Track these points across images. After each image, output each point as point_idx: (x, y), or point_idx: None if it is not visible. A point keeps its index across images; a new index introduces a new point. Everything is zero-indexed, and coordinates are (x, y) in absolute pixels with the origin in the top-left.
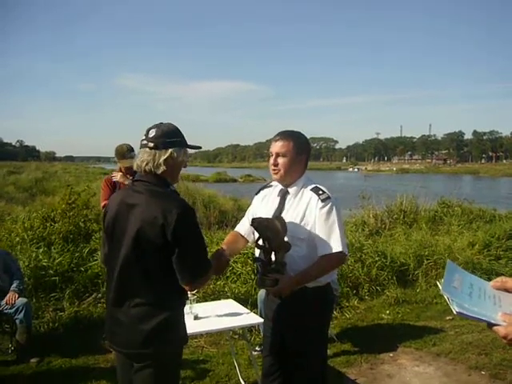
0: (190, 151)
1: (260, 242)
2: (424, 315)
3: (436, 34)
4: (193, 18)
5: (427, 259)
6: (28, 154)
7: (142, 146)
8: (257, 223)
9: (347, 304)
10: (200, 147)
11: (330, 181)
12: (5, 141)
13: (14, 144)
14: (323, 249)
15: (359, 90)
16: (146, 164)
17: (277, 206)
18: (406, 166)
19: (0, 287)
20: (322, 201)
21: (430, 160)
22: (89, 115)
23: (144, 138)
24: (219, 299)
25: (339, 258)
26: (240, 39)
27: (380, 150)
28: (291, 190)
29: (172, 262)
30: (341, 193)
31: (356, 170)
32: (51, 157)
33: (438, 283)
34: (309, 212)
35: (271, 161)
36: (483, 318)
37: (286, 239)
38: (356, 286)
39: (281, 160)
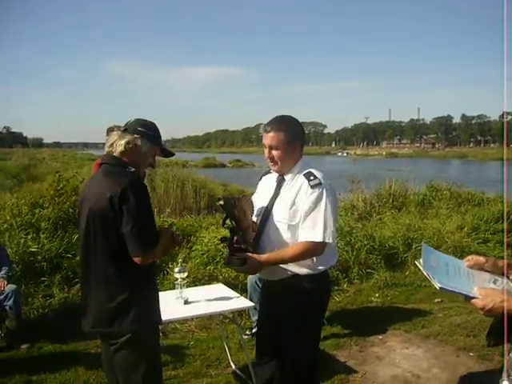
0: (178, 137)
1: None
2: (413, 298)
3: (424, 20)
4: (180, 5)
5: (416, 242)
6: (15, 140)
7: (118, 129)
8: (224, 202)
9: (337, 287)
10: (173, 154)
11: (319, 165)
12: None
13: (0, 130)
14: (303, 235)
15: (348, 74)
16: (110, 145)
17: (273, 192)
18: (394, 150)
19: None
20: (312, 187)
21: (418, 144)
22: (76, 101)
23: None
24: (209, 284)
25: (317, 247)
26: (228, 26)
27: (369, 134)
28: (287, 176)
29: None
30: (330, 177)
31: (345, 154)
32: (38, 143)
33: (416, 263)
34: (299, 198)
35: (266, 154)
36: (462, 292)
37: (254, 219)
38: (345, 269)
39: (275, 153)
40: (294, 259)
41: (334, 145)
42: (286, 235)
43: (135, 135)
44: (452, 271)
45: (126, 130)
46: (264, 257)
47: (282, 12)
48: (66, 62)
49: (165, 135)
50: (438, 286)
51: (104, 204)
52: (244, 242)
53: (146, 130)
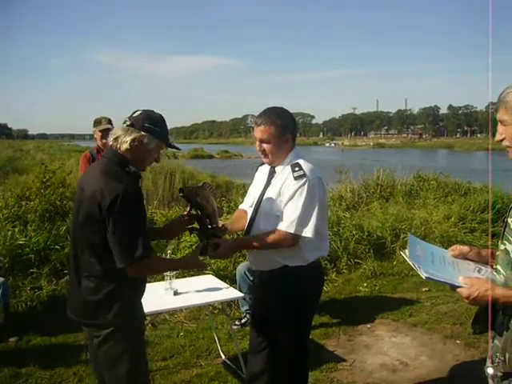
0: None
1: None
2: (400, 287)
3: (412, 8)
4: None
5: (404, 233)
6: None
7: (124, 123)
8: (185, 192)
9: (326, 277)
10: (179, 149)
11: (307, 156)
12: None
13: None
14: (279, 224)
15: (335, 64)
16: (115, 139)
17: (264, 183)
18: (382, 140)
19: None
20: (295, 178)
21: (405, 135)
22: (62, 92)
23: (128, 116)
24: (199, 275)
25: (287, 238)
26: (216, 15)
27: (356, 124)
28: (278, 168)
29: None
30: (317, 168)
31: (333, 144)
32: (23, 134)
33: (402, 253)
34: (284, 188)
35: (257, 146)
36: (448, 282)
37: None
38: (334, 259)
39: (265, 146)
40: (266, 246)
41: (321, 135)
42: (273, 225)
43: (142, 132)
44: (437, 261)
45: (133, 124)
46: (237, 240)
47: (270, 2)
48: (53, 52)
49: None
50: (424, 275)
51: (93, 207)
52: (212, 227)
53: (153, 127)
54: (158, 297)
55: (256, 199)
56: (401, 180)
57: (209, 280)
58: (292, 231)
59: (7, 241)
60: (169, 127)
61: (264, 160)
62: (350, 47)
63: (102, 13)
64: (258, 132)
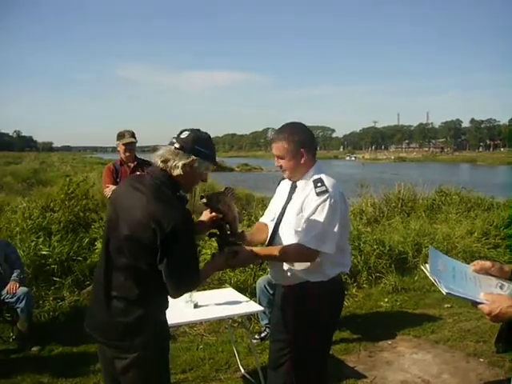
0: None
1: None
2: (422, 303)
3: (434, 25)
4: (191, 8)
5: (426, 247)
6: (25, 144)
7: (170, 144)
8: (207, 199)
9: (346, 292)
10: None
11: (328, 169)
12: (2, 131)
13: (11, 134)
14: (298, 237)
15: (357, 78)
16: (164, 161)
17: (286, 198)
18: (403, 154)
19: (1, 277)
20: (317, 194)
21: (427, 148)
22: (86, 105)
23: (174, 136)
24: (219, 288)
25: (307, 253)
26: (239, 29)
27: (377, 138)
28: (299, 183)
29: (158, 265)
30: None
31: (353, 158)
32: (48, 147)
33: (422, 267)
34: (305, 204)
35: (275, 163)
36: (469, 298)
37: (236, 210)
38: (354, 274)
39: (281, 161)
40: (285, 259)
41: (342, 149)
42: (292, 240)
43: (193, 156)
44: (458, 276)
45: (183, 148)
46: (256, 249)
47: (293, 16)
48: (78, 66)
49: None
50: (444, 291)
51: (146, 233)
52: (232, 233)
53: (203, 149)
54: (178, 309)
55: (277, 214)
56: (422, 194)
57: (229, 293)
58: (313, 246)
59: (31, 251)
60: None
61: (284, 175)
62: (372, 62)
63: (123, 28)
64: (274, 148)
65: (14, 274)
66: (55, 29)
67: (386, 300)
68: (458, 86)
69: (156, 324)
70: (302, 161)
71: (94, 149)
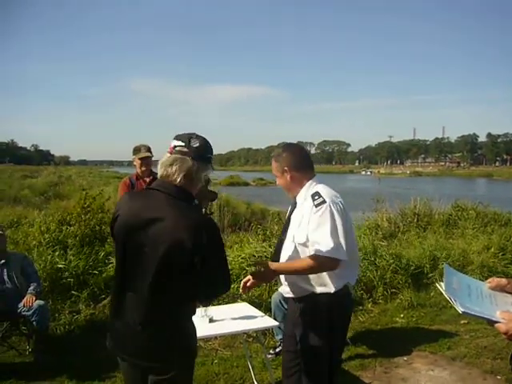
0: None
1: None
2: (438, 319)
3: (450, 40)
4: (205, 21)
5: (442, 263)
6: (42, 158)
7: (182, 153)
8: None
9: (361, 307)
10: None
11: (343, 183)
12: (20, 145)
13: (28, 148)
14: (311, 250)
15: (372, 93)
16: (185, 175)
17: (288, 215)
18: (419, 169)
19: (17, 290)
20: (316, 206)
21: (443, 163)
22: (101, 120)
23: (183, 145)
24: (234, 302)
25: (324, 261)
26: (252, 43)
27: (393, 152)
28: (298, 199)
29: (195, 280)
30: (353, 196)
31: (368, 173)
32: (65, 161)
33: (438, 285)
34: (306, 218)
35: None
36: (485, 316)
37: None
38: (370, 289)
39: (277, 179)
40: (302, 271)
41: (357, 163)
42: (294, 254)
43: (209, 166)
44: (474, 294)
45: (201, 158)
46: (275, 265)
47: (307, 29)
48: (91, 81)
49: None
50: (460, 310)
51: (183, 253)
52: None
53: (211, 156)
54: None
55: (283, 228)
56: (438, 209)
57: (244, 308)
58: (330, 255)
59: (47, 265)
60: None
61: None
62: (387, 76)
63: (138, 42)
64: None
65: (31, 288)
66: (67, 43)
67: (402, 316)
68: (474, 101)
69: (190, 342)
70: (288, 178)
71: (111, 163)
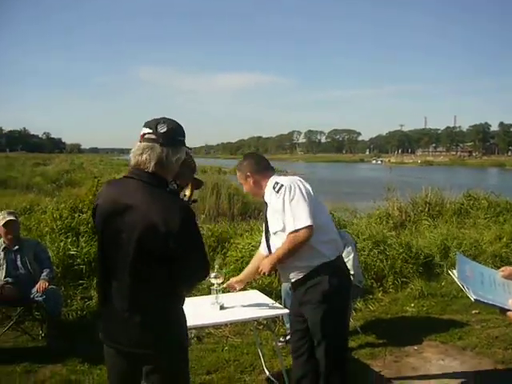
0: (212, 143)
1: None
2: (449, 309)
3: (460, 28)
4: (213, 8)
5: (453, 252)
6: (54, 146)
7: (150, 141)
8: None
9: (371, 296)
10: (191, 149)
11: (354, 172)
12: (32, 133)
13: (40, 136)
14: (289, 227)
15: (382, 81)
16: (157, 162)
17: (265, 215)
18: (430, 158)
19: (31, 276)
20: (277, 191)
21: (454, 152)
22: (111, 108)
23: (151, 131)
24: (244, 290)
25: (301, 234)
26: (262, 31)
27: (404, 141)
28: (266, 198)
29: (175, 266)
30: (364, 185)
31: (379, 162)
32: (77, 149)
33: (450, 273)
34: (276, 207)
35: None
36: (497, 304)
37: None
38: (380, 278)
39: (244, 188)
40: (287, 251)
41: (368, 152)
42: (278, 241)
43: (183, 148)
44: (487, 282)
45: (170, 142)
46: (265, 260)
47: (316, 17)
48: (100, 69)
49: (199, 142)
50: (473, 297)
51: (158, 239)
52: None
53: (183, 139)
54: (204, 310)
55: (264, 230)
56: (450, 199)
57: (254, 295)
58: (299, 226)
59: (60, 251)
60: (215, 142)
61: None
62: (398, 65)
63: (144, 30)
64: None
65: (44, 273)
66: (76, 31)
67: (413, 305)
68: (487, 89)
69: (180, 331)
70: (252, 182)
71: (121, 151)
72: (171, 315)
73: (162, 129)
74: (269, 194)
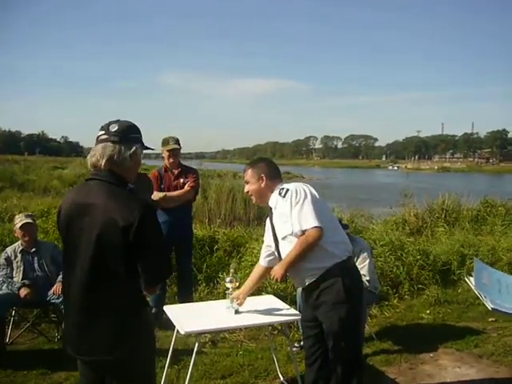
0: (229, 148)
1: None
2: (465, 316)
3: (476, 33)
4: (232, 15)
5: (470, 259)
6: (72, 149)
7: (102, 141)
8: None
9: (387, 303)
10: (154, 149)
11: (370, 178)
12: (50, 137)
13: (58, 140)
14: (297, 229)
15: (399, 87)
16: (108, 159)
17: (270, 223)
18: (447, 164)
19: (47, 278)
20: (283, 196)
21: (472, 159)
22: (129, 112)
23: (103, 132)
24: (259, 295)
25: (311, 235)
26: (282, 37)
27: (420, 148)
28: (271, 204)
29: (136, 265)
30: (380, 191)
31: (396, 168)
32: None
33: (467, 280)
34: (283, 212)
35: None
36: None
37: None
38: (396, 284)
39: (248, 186)
40: (299, 253)
41: (384, 158)
42: (287, 246)
43: (135, 145)
44: (504, 290)
45: (121, 140)
46: (278, 265)
47: (336, 24)
48: (120, 73)
49: (216, 147)
50: (490, 306)
51: (116, 234)
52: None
53: (137, 136)
54: (219, 315)
55: (272, 237)
56: (467, 205)
57: (269, 300)
58: (307, 227)
59: None
60: (232, 147)
61: (254, 201)
62: (415, 72)
63: (170, 36)
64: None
65: (60, 276)
66: (96, 35)
67: (428, 312)
68: (504, 95)
69: (145, 334)
70: (263, 185)
71: None
72: (132, 318)
73: (114, 128)
74: (275, 200)
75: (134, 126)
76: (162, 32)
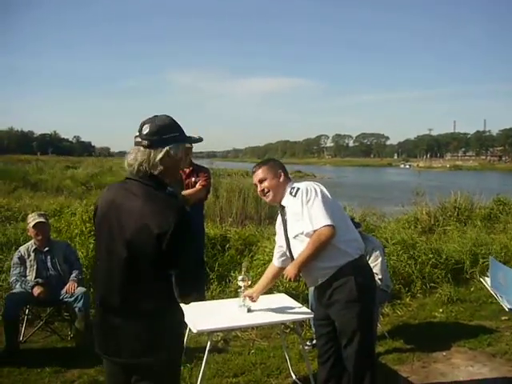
0: (240, 147)
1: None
2: (478, 314)
3: (488, 31)
4: (243, 12)
5: (483, 258)
6: (84, 149)
7: (136, 144)
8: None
9: (399, 301)
10: (201, 139)
11: (381, 177)
12: (62, 136)
13: (70, 140)
14: (309, 228)
15: (411, 85)
16: (140, 164)
17: (281, 221)
18: (459, 162)
19: (60, 277)
20: (294, 195)
21: (484, 157)
22: (139, 111)
23: (137, 134)
24: (270, 293)
25: (325, 233)
26: (292, 35)
27: (432, 146)
28: (283, 202)
29: (166, 269)
30: (392, 189)
31: (407, 166)
32: (106, 152)
33: (482, 280)
34: (294, 211)
35: (258, 190)
36: None
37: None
38: (408, 283)
39: (266, 183)
40: (312, 251)
41: (396, 156)
42: (299, 246)
43: (166, 148)
44: None
45: (152, 145)
46: (290, 266)
47: (346, 24)
48: (130, 72)
49: (227, 146)
50: (507, 307)
51: (150, 241)
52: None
53: (171, 135)
54: (231, 313)
55: (283, 237)
56: (479, 203)
57: (281, 299)
58: (321, 225)
59: (89, 253)
60: (243, 146)
61: (266, 200)
62: (427, 69)
63: (178, 34)
64: (255, 177)
65: (73, 275)
66: (105, 34)
67: (441, 310)
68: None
69: (178, 336)
70: (281, 180)
71: None
72: (161, 319)
73: (145, 130)
74: (286, 200)
75: (169, 124)
76: (162, 32)
